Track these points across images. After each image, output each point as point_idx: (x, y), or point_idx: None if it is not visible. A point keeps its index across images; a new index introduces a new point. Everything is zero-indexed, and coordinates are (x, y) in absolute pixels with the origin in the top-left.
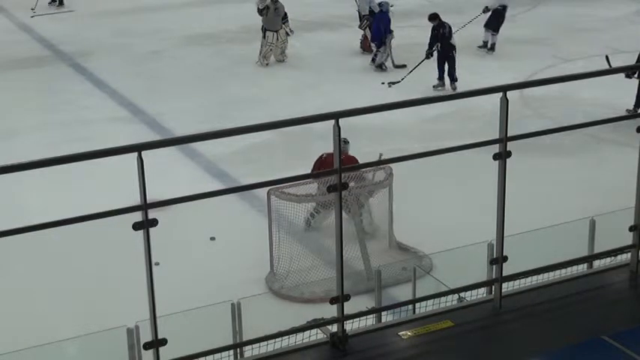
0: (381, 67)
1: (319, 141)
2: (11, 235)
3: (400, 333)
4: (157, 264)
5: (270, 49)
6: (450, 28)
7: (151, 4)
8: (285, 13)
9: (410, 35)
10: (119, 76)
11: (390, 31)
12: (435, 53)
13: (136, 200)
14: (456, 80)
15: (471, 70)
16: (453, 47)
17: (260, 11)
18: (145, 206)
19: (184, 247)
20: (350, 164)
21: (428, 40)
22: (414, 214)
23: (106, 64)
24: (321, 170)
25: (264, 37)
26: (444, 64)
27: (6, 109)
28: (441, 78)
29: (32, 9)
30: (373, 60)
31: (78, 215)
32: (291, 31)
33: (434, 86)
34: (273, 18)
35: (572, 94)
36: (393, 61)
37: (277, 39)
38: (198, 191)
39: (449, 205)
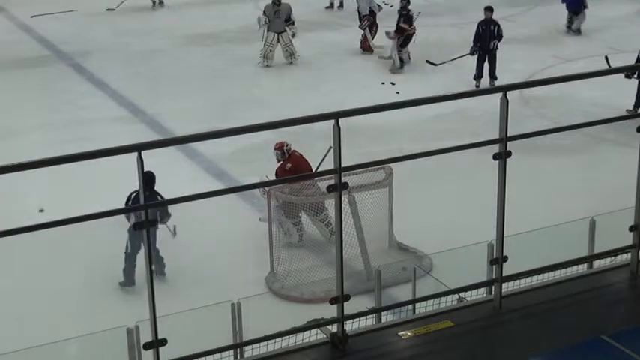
0: (579, 32)
1: (319, 141)
2: (11, 235)
3: (400, 333)
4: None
5: (271, 50)
6: (498, 26)
7: (151, 4)
8: (290, 16)
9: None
10: (119, 76)
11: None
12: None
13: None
14: (496, 78)
15: (471, 71)
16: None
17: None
18: (145, 206)
19: (184, 247)
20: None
21: (472, 38)
22: (414, 214)
23: (106, 64)
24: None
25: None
26: (485, 62)
27: (6, 109)
28: (478, 77)
29: (113, 9)
30: (569, 27)
31: (78, 215)
32: (293, 35)
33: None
34: (274, 20)
35: (572, 94)
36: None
37: (278, 40)
38: (198, 191)
39: (449, 205)
